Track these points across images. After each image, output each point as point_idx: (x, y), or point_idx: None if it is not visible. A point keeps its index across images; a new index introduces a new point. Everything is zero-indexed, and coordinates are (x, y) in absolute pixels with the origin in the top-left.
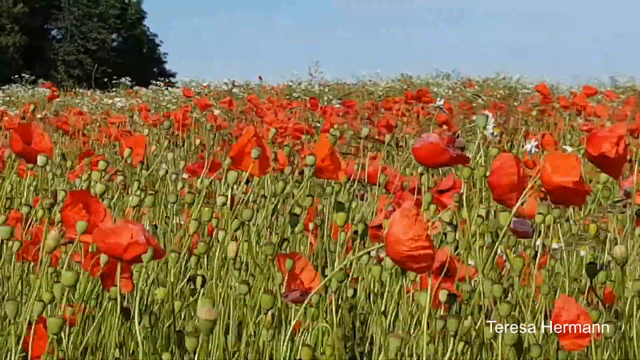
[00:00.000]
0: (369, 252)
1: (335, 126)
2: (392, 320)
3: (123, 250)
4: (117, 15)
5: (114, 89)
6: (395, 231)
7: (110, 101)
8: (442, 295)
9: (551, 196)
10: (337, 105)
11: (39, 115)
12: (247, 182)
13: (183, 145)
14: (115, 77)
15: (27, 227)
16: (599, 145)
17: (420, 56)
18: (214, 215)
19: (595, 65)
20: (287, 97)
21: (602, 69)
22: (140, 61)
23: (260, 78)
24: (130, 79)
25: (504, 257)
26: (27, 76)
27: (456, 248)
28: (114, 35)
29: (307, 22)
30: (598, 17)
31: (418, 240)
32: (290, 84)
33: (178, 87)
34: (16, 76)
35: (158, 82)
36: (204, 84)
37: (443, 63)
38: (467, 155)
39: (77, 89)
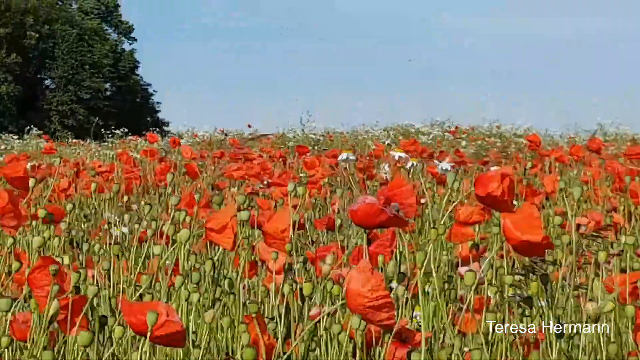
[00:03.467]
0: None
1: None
2: None
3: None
4: (110, 64)
5: (109, 139)
6: (354, 285)
7: (108, 152)
8: None
9: (515, 249)
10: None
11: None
12: None
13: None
14: (112, 127)
15: None
16: (486, 185)
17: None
18: None
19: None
20: (280, 147)
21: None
22: (134, 110)
23: (249, 126)
24: (126, 129)
25: None
26: (20, 126)
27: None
28: (107, 85)
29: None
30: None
31: (378, 289)
32: (283, 131)
33: (173, 135)
34: (9, 126)
35: (146, 133)
36: (196, 133)
37: (438, 111)
38: (404, 218)
39: (70, 139)
